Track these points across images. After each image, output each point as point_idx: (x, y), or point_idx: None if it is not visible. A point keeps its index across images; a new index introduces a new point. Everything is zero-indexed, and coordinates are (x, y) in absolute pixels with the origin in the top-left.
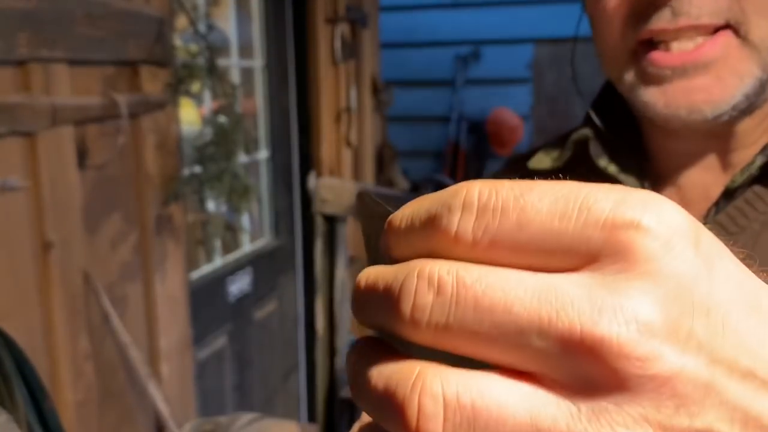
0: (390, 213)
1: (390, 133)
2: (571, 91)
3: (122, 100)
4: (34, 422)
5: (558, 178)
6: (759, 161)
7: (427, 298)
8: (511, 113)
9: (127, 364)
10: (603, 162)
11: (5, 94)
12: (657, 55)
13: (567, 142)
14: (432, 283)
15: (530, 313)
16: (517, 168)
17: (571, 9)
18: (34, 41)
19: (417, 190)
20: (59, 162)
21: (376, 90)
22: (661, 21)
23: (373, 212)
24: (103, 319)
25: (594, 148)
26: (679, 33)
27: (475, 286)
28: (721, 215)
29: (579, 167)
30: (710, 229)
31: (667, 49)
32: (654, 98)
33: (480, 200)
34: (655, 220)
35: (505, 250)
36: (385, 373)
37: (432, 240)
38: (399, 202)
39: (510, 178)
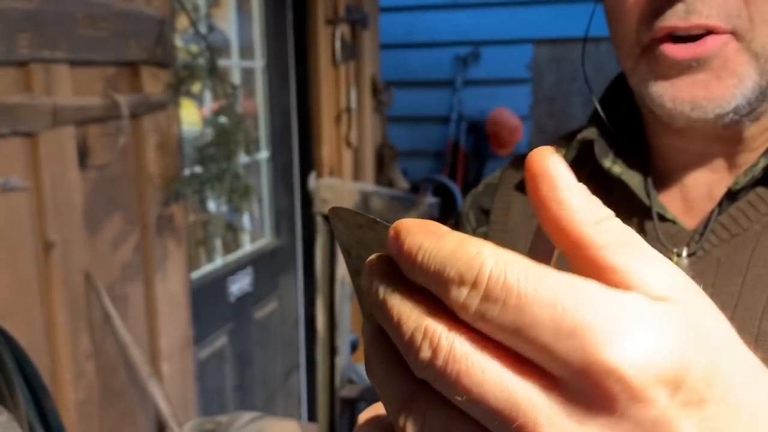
0: (371, 220)
1: (390, 134)
2: (570, 91)
3: (123, 100)
4: (35, 421)
5: None
6: (762, 163)
7: (426, 354)
8: (511, 113)
9: (128, 364)
10: (607, 162)
11: (7, 94)
12: (668, 47)
13: (572, 142)
14: (431, 345)
15: (498, 408)
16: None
17: (569, 10)
18: (36, 42)
19: (417, 190)
20: (60, 162)
21: (376, 90)
22: (675, 18)
23: (352, 223)
24: (104, 319)
25: (599, 148)
26: (690, 30)
27: (461, 363)
28: (724, 216)
29: (584, 166)
30: (713, 229)
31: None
32: (661, 91)
33: (489, 283)
34: (634, 368)
35: (499, 333)
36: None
37: (441, 293)
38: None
39: (518, 178)
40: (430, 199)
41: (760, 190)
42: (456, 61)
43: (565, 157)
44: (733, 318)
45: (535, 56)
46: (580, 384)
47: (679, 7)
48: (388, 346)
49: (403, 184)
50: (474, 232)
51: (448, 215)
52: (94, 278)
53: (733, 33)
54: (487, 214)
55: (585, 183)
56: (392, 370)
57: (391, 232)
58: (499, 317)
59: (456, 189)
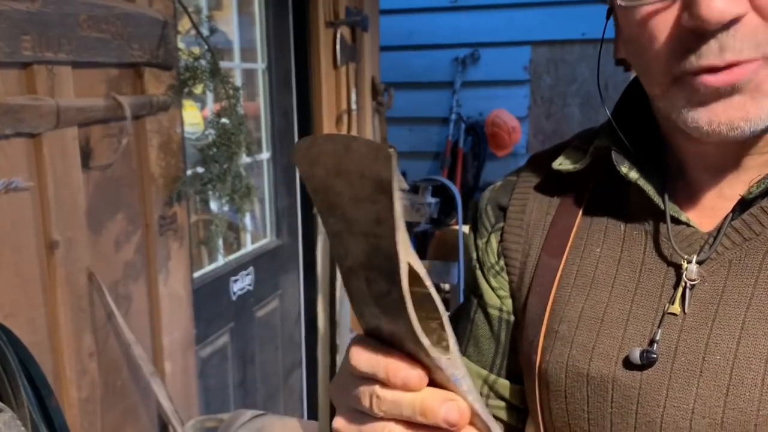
0: (346, 140)
1: (390, 134)
2: (568, 92)
3: (126, 101)
4: (39, 419)
5: (580, 180)
6: None
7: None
8: (509, 115)
9: (130, 362)
10: (624, 168)
11: (10, 95)
12: (705, 78)
13: (590, 149)
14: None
15: None
16: (541, 167)
17: (566, 12)
18: (39, 44)
19: (416, 190)
20: (64, 162)
21: (376, 92)
22: (711, 56)
23: (324, 150)
24: (107, 318)
25: (616, 156)
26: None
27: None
28: (737, 221)
29: (599, 170)
30: (727, 233)
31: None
32: (698, 116)
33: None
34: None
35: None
36: None
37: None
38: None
39: (535, 177)
40: (430, 200)
41: None
42: (455, 63)
43: (583, 161)
44: (745, 317)
45: (533, 58)
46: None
47: (712, 44)
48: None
49: (402, 184)
50: (492, 227)
51: (448, 214)
52: (97, 277)
53: (764, 58)
54: (504, 211)
55: (600, 188)
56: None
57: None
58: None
59: (455, 189)
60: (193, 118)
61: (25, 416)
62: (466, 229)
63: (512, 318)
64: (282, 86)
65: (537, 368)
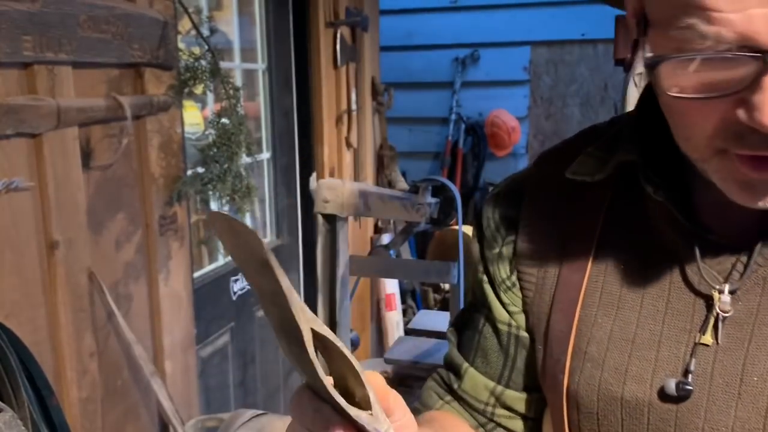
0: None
1: (389, 134)
2: (567, 92)
3: (126, 101)
4: (39, 419)
5: (595, 189)
6: None
7: None
8: (509, 115)
9: (131, 362)
10: (650, 189)
11: (11, 95)
12: (748, 170)
13: (608, 159)
14: None
15: None
16: (551, 172)
17: (566, 13)
18: (39, 44)
19: (416, 190)
20: (64, 162)
21: (376, 92)
22: (760, 146)
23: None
24: (108, 318)
25: (644, 176)
26: None
27: None
28: None
29: (620, 182)
30: (761, 251)
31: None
32: (735, 189)
33: None
34: None
35: None
36: None
37: None
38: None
39: (545, 184)
40: (430, 200)
41: None
42: (455, 63)
43: (603, 170)
44: None
45: (533, 58)
46: None
47: (764, 138)
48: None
49: (402, 184)
50: (503, 240)
51: (448, 214)
52: (97, 277)
53: None
54: (514, 222)
55: (619, 198)
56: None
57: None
58: None
59: (455, 189)
60: (194, 118)
61: (26, 416)
62: (465, 229)
63: (523, 333)
64: (282, 86)
65: (565, 388)
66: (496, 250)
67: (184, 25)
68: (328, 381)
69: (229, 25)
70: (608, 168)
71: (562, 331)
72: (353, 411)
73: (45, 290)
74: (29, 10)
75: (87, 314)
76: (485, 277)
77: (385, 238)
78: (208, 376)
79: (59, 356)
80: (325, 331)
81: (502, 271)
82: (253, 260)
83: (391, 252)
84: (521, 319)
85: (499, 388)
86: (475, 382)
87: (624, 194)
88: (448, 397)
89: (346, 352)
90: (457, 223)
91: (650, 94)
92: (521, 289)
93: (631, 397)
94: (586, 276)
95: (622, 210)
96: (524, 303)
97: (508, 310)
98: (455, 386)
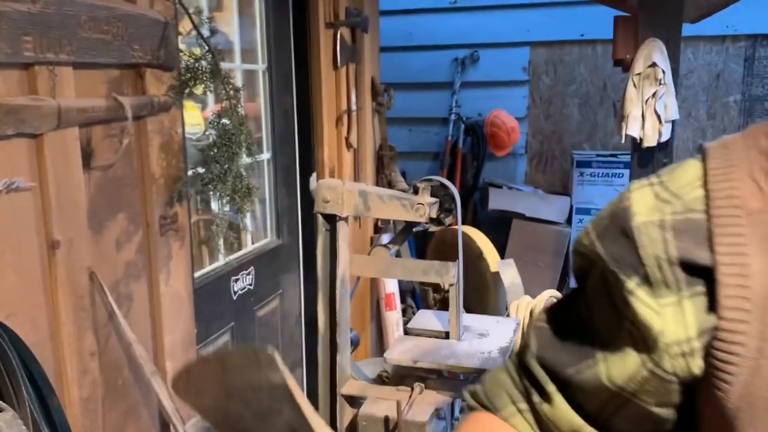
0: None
1: (389, 135)
2: (566, 93)
3: (127, 102)
4: (40, 419)
5: None
6: None
7: None
8: (508, 115)
9: (132, 361)
10: None
11: (12, 96)
12: None
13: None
14: None
15: None
16: (747, 191)
17: (565, 13)
18: (40, 44)
19: (416, 190)
20: (65, 163)
21: (376, 92)
22: None
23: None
24: (109, 317)
25: None
26: None
27: None
28: None
29: None
30: None
31: None
32: None
33: None
34: None
35: None
36: None
37: None
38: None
39: (744, 209)
40: (429, 200)
41: None
42: (454, 64)
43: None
44: None
45: (532, 59)
46: None
47: None
48: None
49: (402, 184)
50: (680, 290)
51: (448, 214)
52: (98, 277)
53: None
54: (703, 270)
55: None
56: None
57: None
58: None
59: (455, 189)
60: (194, 118)
61: (27, 415)
62: (465, 228)
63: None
64: (282, 87)
65: None
66: (668, 299)
67: (185, 25)
68: None
69: (230, 25)
70: None
71: None
72: None
73: (46, 290)
74: (30, 10)
75: (88, 314)
76: (638, 329)
77: (385, 238)
78: None
79: (60, 356)
80: None
81: (680, 329)
82: (255, 397)
83: (391, 251)
84: (676, 387)
85: (588, 429)
86: (562, 415)
87: None
88: (523, 405)
89: None
90: (456, 223)
91: None
92: (719, 360)
93: None
94: None
95: None
96: (713, 376)
97: (666, 379)
98: (534, 399)
